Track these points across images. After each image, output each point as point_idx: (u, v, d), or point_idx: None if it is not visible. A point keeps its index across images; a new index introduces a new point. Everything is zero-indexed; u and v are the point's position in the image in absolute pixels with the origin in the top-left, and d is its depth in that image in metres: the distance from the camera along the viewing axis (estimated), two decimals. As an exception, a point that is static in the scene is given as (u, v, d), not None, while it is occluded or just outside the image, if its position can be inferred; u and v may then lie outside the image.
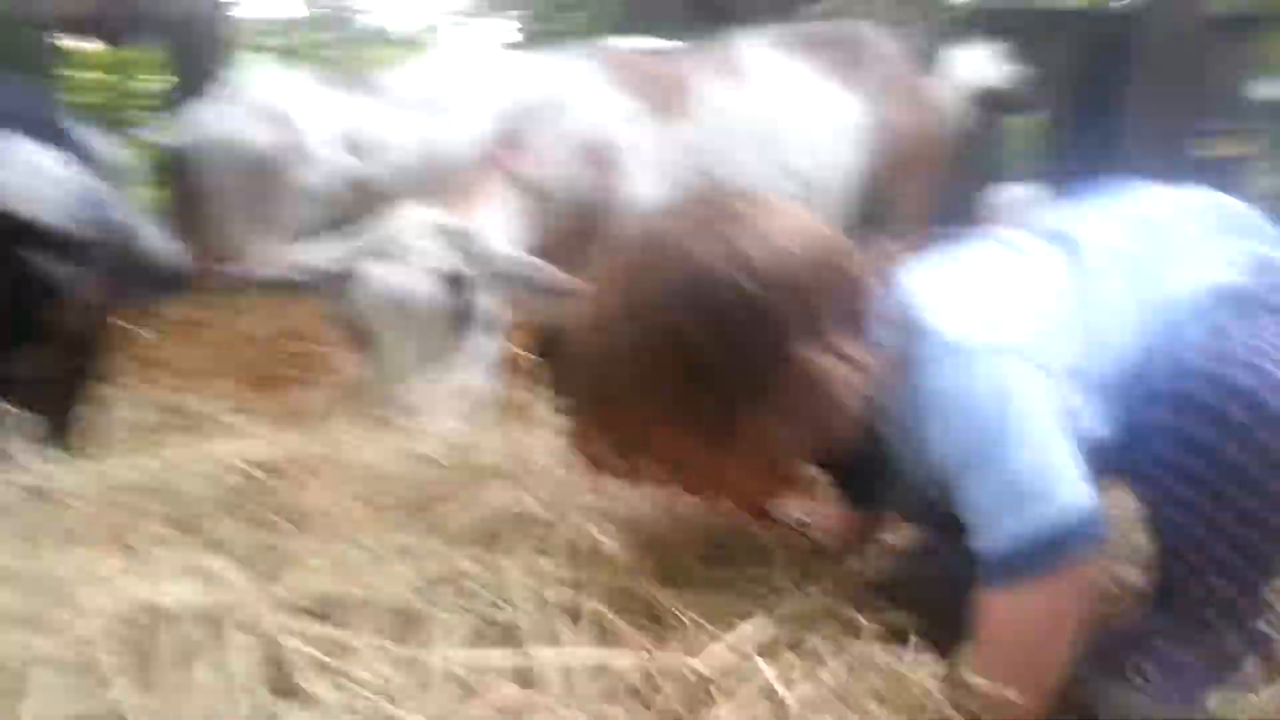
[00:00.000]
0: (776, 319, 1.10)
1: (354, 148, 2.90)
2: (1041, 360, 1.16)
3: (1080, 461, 1.13)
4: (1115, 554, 1.65)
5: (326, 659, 0.94)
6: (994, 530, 1.12)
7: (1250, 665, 1.29)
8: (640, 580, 1.17)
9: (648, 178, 2.55)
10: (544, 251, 2.22)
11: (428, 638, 1.02)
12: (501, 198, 2.32)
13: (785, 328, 1.11)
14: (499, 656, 0.99)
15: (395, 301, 1.95)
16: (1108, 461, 1.23)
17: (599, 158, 2.48)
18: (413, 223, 2.10)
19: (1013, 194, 6.06)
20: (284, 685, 0.92)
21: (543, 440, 1.58)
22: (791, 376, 1.12)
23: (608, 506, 1.34)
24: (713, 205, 1.19)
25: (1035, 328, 1.20)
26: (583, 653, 1.02)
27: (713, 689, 1.01)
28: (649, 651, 1.03)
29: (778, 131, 2.76)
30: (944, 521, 1.28)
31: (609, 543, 1.22)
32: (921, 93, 3.30)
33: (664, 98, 2.69)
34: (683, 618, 1.12)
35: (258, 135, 2.84)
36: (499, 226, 2.26)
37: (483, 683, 0.95)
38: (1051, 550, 1.10)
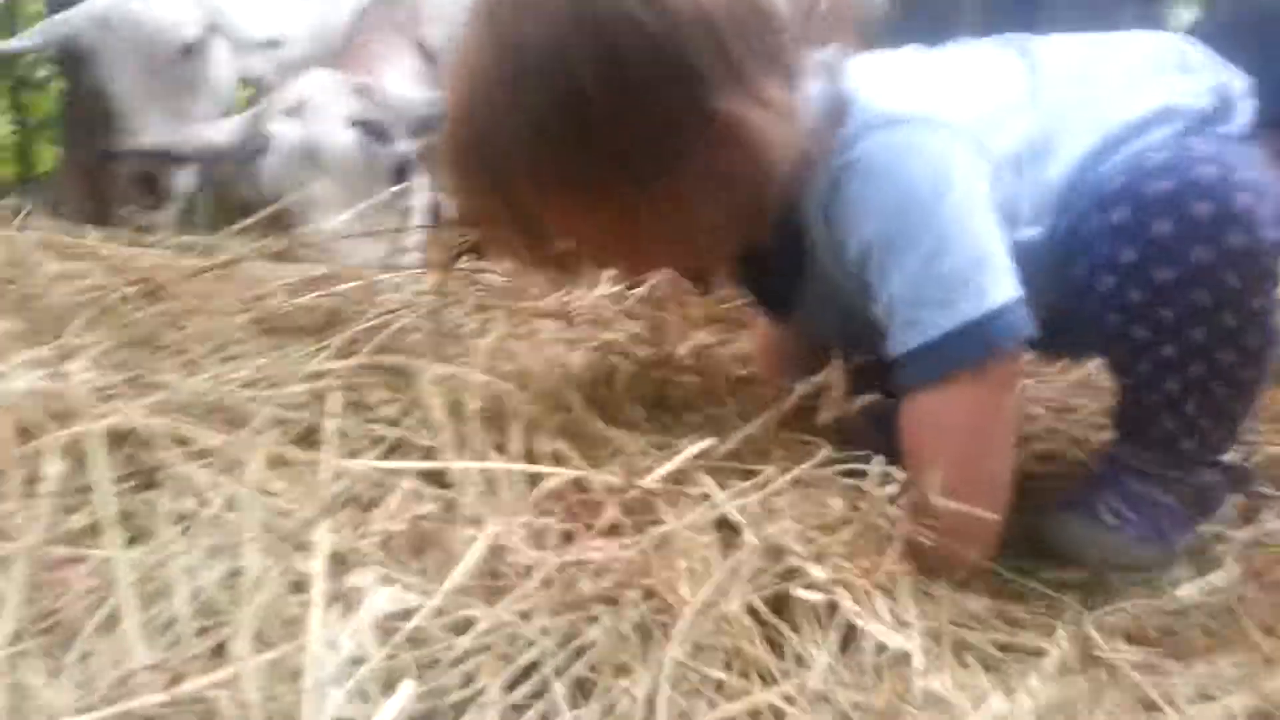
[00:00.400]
0: (694, 63, 0.92)
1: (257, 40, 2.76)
2: (983, 143, 1.04)
3: (1009, 253, 1.02)
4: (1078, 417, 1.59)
5: (203, 465, 0.79)
6: (917, 322, 1.00)
7: (1228, 502, 1.20)
8: (573, 408, 1.04)
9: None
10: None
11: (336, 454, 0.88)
12: (397, 57, 2.21)
13: (704, 74, 0.93)
14: (410, 468, 0.85)
15: (308, 153, 1.83)
16: (1058, 284, 1.12)
17: None
18: (315, 82, 2.00)
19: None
20: (154, 494, 0.78)
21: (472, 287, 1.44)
22: (715, 134, 0.95)
23: (535, 346, 1.20)
24: None
25: (978, 112, 1.09)
26: (509, 466, 0.89)
27: (657, 503, 0.88)
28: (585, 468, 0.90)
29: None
30: (862, 335, 1.18)
31: (538, 370, 1.09)
32: None
33: None
34: (622, 445, 1.00)
35: (184, 18, 2.65)
36: (398, 81, 2.16)
37: (391, 494, 0.82)
38: (977, 344, 0.99)
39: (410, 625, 0.66)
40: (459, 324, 1.19)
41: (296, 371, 0.96)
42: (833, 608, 0.81)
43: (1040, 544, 1.16)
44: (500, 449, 0.94)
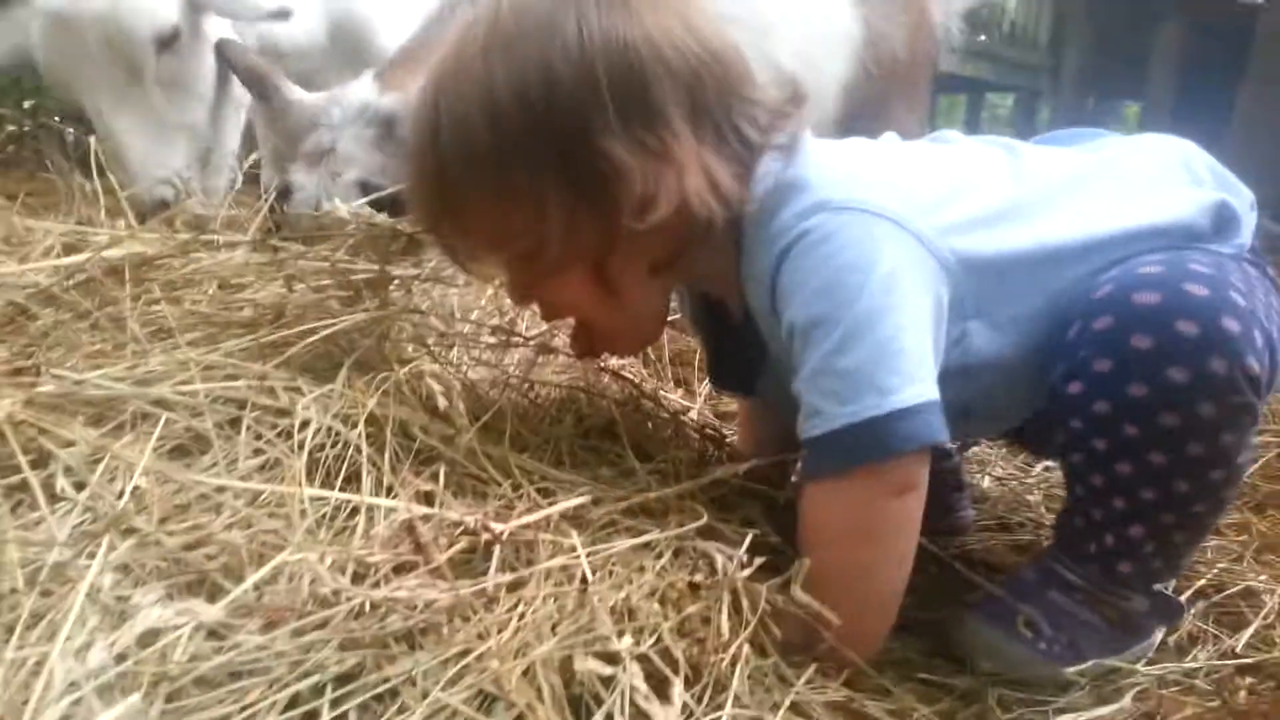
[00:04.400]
0: (592, 105, 0.95)
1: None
2: (931, 229, 1.02)
3: (933, 353, 1.00)
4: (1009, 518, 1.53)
5: (79, 465, 0.84)
6: (818, 412, 0.98)
7: (1158, 634, 1.15)
8: (489, 442, 1.05)
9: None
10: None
11: (213, 464, 0.92)
12: None
13: (600, 116, 0.95)
14: (249, 488, 0.88)
15: (316, 213, 1.87)
16: (1019, 374, 1.09)
17: None
18: (346, 101, 2.09)
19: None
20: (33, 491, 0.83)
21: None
22: (600, 169, 0.97)
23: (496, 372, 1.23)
24: None
25: (935, 189, 1.07)
26: (353, 498, 0.91)
27: (510, 555, 0.90)
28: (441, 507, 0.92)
29: (768, 31, 2.57)
30: None
31: (467, 398, 1.11)
32: (916, 8, 3.09)
33: None
34: (520, 487, 1.02)
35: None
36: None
37: (235, 510, 0.85)
38: (874, 444, 0.96)
39: (164, 642, 0.69)
40: (408, 340, 1.22)
41: (205, 372, 1.00)
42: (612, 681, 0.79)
43: (950, 642, 1.14)
44: (389, 472, 0.97)
